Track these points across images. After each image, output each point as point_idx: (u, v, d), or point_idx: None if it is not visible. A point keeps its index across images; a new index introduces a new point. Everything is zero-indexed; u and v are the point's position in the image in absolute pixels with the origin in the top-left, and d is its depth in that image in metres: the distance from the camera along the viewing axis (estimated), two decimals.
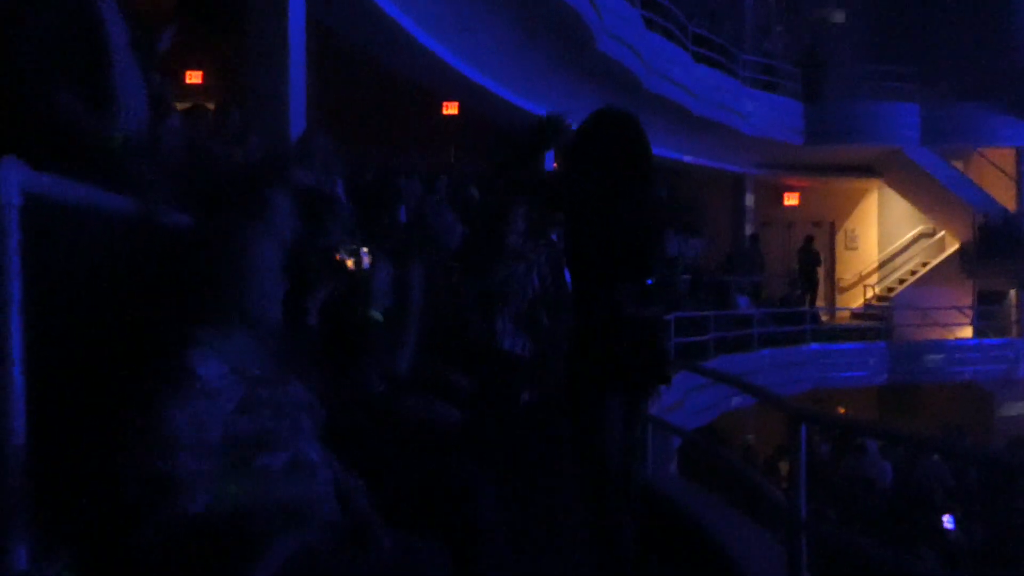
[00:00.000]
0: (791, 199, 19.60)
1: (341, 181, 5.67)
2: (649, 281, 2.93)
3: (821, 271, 17.43)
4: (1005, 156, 18.46)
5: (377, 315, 2.05)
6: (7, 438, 1.40)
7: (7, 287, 1.40)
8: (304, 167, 3.77)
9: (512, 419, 3.61)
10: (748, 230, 18.70)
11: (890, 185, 18.75)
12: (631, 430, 2.97)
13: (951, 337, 17.47)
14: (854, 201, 19.90)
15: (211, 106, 6.90)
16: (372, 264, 2.18)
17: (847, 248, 20.05)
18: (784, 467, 12.99)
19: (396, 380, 2.69)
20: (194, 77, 11.90)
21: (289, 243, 2.20)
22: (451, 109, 14.41)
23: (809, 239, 17.24)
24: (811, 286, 16.79)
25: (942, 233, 18.58)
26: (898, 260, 19.49)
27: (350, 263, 2.24)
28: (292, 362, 1.99)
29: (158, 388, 1.56)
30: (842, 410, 16.05)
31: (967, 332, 17.81)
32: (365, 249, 2.22)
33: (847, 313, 19.01)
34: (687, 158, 16.59)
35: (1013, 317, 18.31)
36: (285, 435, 1.76)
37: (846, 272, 19.95)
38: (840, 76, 17.94)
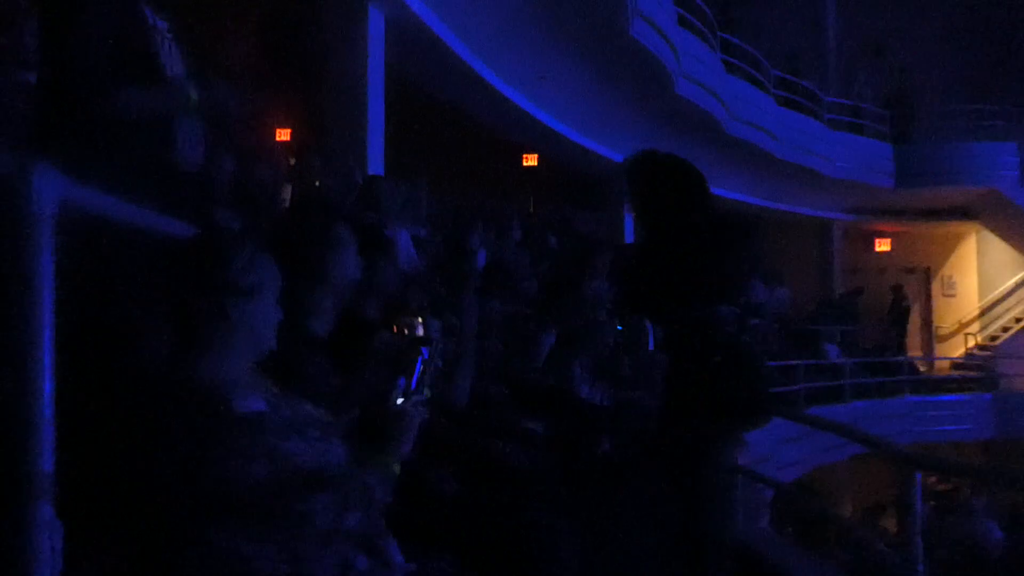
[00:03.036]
0: (883, 245, 18.91)
1: (408, 227, 5.66)
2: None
3: (914, 319, 16.71)
4: None
5: (427, 392, 1.88)
6: (33, 469, 1.29)
7: (39, 302, 1.31)
8: (368, 209, 3.74)
9: (588, 467, 3.42)
10: (837, 277, 18.07)
11: (989, 228, 17.91)
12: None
13: None
14: (951, 246, 19.05)
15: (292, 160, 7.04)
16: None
17: (944, 295, 19.15)
18: (885, 524, 12.25)
19: (461, 419, 2.55)
20: (283, 135, 12.25)
21: (346, 288, 2.09)
22: (531, 160, 14.44)
23: (897, 287, 16.66)
24: (901, 336, 16.12)
25: None
26: (1001, 307, 18.50)
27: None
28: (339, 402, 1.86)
29: (196, 422, 1.44)
30: None
31: None
32: (419, 320, 2.05)
33: (947, 363, 18.06)
34: (770, 204, 16.22)
35: None
36: (338, 469, 1.61)
37: (944, 320, 19.01)
38: (930, 116, 17.34)
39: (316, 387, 1.87)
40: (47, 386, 1.34)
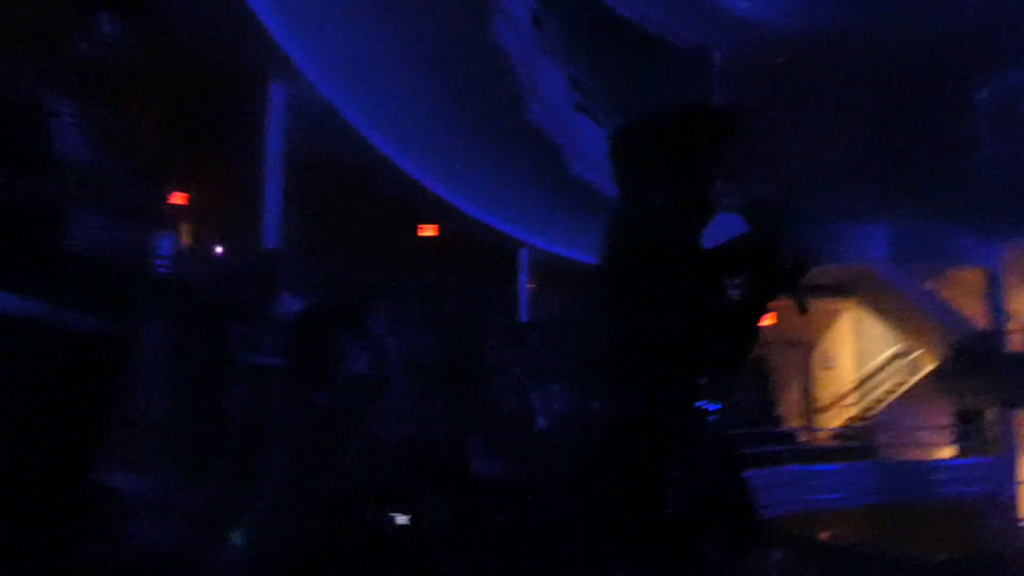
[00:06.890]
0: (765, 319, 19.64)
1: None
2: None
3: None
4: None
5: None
6: None
7: None
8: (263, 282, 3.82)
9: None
10: None
11: (863, 305, 18.91)
12: None
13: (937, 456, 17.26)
14: (828, 321, 19.97)
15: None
16: None
17: (824, 368, 20.01)
18: None
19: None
20: (179, 199, 12.05)
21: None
22: (428, 231, 14.69)
23: None
24: None
25: (917, 352, 18.63)
26: (876, 379, 19.43)
27: None
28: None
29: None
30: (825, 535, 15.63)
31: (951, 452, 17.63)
32: None
33: (826, 433, 18.80)
34: None
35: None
36: None
37: (823, 392, 19.86)
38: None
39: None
40: None
